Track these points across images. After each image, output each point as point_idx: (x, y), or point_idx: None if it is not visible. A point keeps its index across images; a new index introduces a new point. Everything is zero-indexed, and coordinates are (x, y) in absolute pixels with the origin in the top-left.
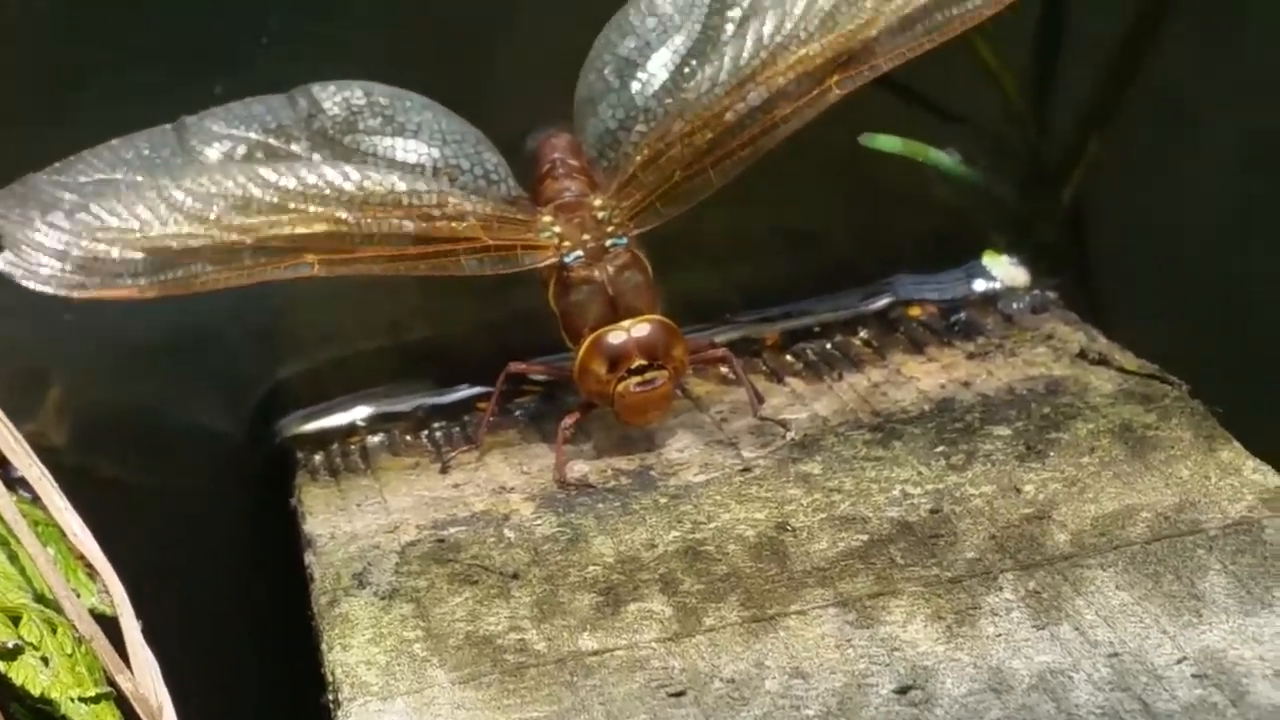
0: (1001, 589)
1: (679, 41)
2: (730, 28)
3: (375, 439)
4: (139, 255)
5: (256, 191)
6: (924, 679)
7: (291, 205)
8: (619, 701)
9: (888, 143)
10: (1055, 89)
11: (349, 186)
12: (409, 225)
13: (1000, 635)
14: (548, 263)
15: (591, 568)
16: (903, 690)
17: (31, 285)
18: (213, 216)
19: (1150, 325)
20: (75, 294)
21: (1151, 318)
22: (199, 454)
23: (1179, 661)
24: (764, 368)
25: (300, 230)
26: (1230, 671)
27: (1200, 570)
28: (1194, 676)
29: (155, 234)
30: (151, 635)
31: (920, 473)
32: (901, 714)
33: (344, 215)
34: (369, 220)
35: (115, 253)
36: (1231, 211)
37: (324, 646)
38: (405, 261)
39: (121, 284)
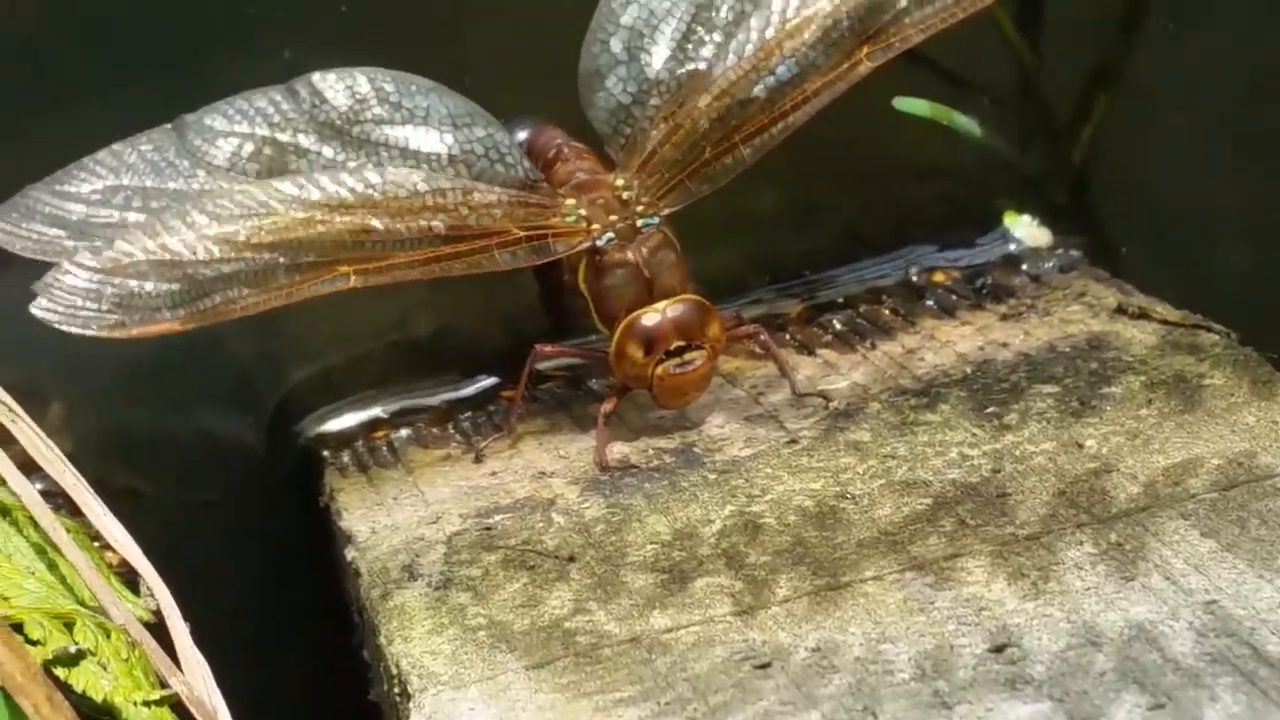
0: (1081, 543)
1: (684, 9)
2: None
3: (402, 433)
4: (174, 286)
5: (280, 207)
6: (1018, 636)
7: (319, 217)
8: (703, 677)
9: (916, 106)
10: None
11: (373, 192)
12: (439, 225)
13: (1089, 589)
14: (581, 247)
15: (649, 547)
16: (998, 649)
17: (72, 330)
18: (242, 238)
19: (1175, 281)
20: (117, 334)
21: (1175, 273)
22: (218, 464)
23: None
24: (792, 341)
25: (331, 243)
26: None
27: None
28: None
29: (187, 262)
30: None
31: (974, 434)
32: (1000, 672)
33: (373, 223)
34: (399, 225)
35: (149, 286)
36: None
37: (381, 640)
38: (440, 262)
39: (161, 318)
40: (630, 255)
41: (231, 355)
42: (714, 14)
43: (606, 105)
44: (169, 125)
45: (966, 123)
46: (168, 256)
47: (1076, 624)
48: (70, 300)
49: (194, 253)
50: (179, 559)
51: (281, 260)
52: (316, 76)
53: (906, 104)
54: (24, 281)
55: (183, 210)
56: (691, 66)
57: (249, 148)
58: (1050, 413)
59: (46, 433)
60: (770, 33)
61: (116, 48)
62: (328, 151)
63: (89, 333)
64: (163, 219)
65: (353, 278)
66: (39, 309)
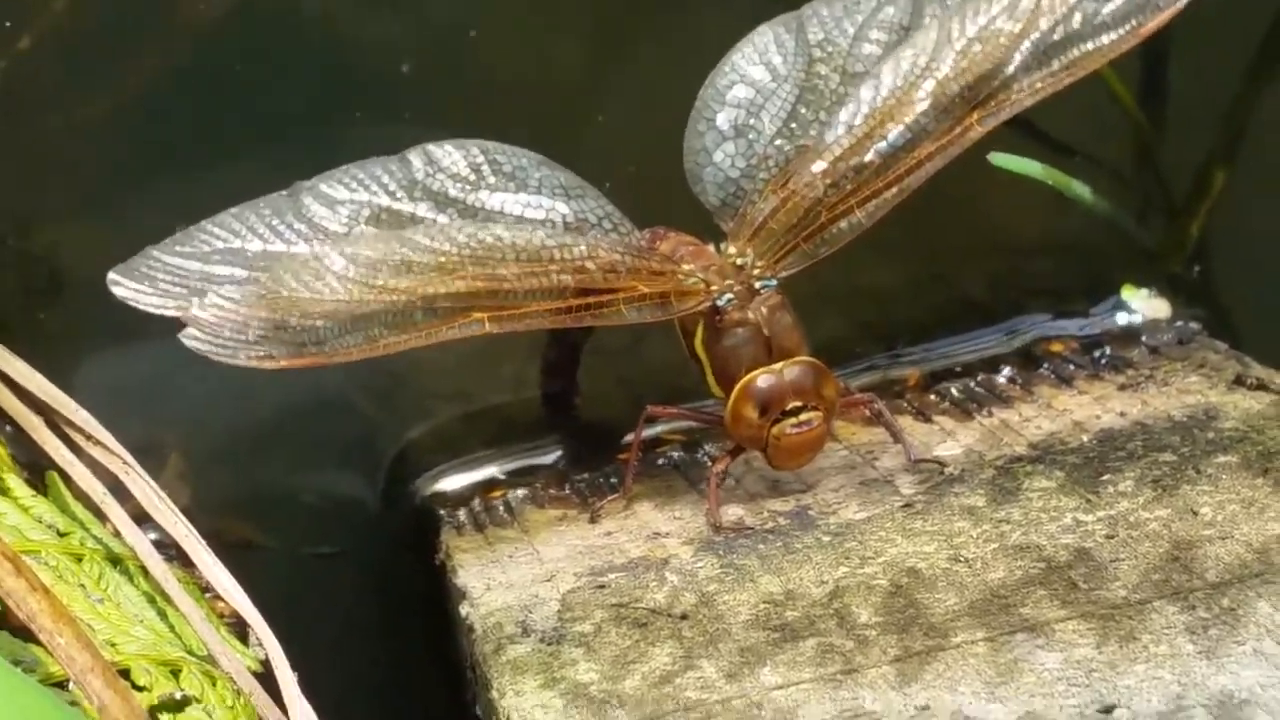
0: (1194, 608)
1: (788, 89)
2: (836, 78)
3: (518, 493)
4: (318, 323)
5: (415, 256)
6: (1128, 698)
7: (452, 266)
8: None
9: (1027, 166)
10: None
11: (502, 244)
12: (567, 279)
13: (1200, 653)
14: (702, 307)
15: (762, 606)
16: (1107, 710)
17: (223, 360)
18: (379, 282)
19: None
20: (266, 365)
21: None
22: (334, 519)
23: None
24: (909, 408)
25: (465, 291)
26: None
27: None
28: None
29: (328, 300)
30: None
31: (1089, 500)
32: None
33: (504, 273)
34: (529, 277)
35: (293, 321)
36: None
37: (494, 694)
38: (572, 314)
39: (307, 353)
40: (751, 315)
41: (350, 412)
42: (819, 93)
43: (715, 179)
44: (285, 192)
45: (1080, 188)
46: (308, 294)
47: (1188, 686)
48: (218, 331)
49: (334, 293)
50: (293, 611)
51: (419, 304)
52: (431, 146)
53: (1004, 160)
54: (141, 343)
55: (324, 252)
56: (800, 141)
57: (365, 214)
58: (1165, 480)
59: (164, 486)
60: (880, 102)
61: (231, 116)
62: (443, 219)
63: (238, 362)
64: (303, 260)
65: (487, 323)
66: (189, 339)
